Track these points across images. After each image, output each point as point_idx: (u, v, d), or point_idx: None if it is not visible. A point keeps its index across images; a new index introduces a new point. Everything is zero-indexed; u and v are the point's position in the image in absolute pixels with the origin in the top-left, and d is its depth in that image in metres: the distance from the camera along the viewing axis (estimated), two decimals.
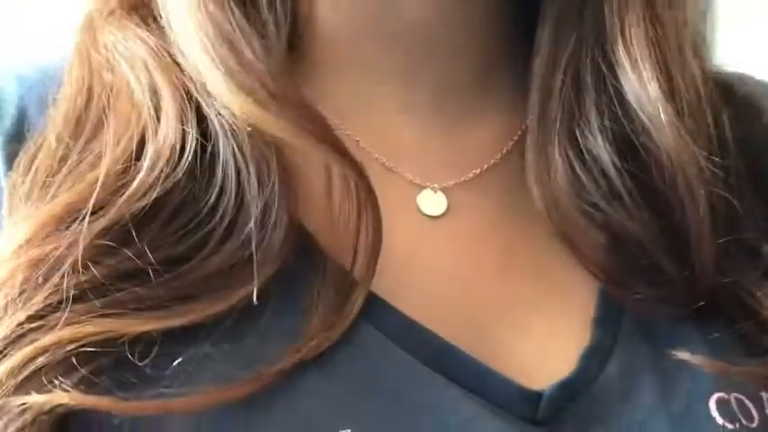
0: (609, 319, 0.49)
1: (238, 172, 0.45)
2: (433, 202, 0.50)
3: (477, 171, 0.52)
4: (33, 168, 0.45)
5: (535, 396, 0.46)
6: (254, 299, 0.42)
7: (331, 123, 0.48)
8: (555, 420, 0.46)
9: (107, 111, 0.46)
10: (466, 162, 0.52)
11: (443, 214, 0.50)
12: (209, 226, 0.44)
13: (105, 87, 0.47)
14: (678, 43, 0.49)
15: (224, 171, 0.45)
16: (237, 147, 0.45)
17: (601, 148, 0.49)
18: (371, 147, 0.51)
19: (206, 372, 0.41)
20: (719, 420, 0.46)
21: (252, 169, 0.45)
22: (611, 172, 0.49)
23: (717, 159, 0.49)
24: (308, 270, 0.45)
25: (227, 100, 0.44)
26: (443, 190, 0.51)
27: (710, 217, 0.48)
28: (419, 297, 0.47)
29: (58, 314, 0.41)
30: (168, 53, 0.47)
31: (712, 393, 0.47)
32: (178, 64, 0.47)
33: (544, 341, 0.48)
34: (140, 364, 0.41)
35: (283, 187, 0.45)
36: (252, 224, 0.43)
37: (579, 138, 0.50)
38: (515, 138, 0.53)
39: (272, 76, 0.44)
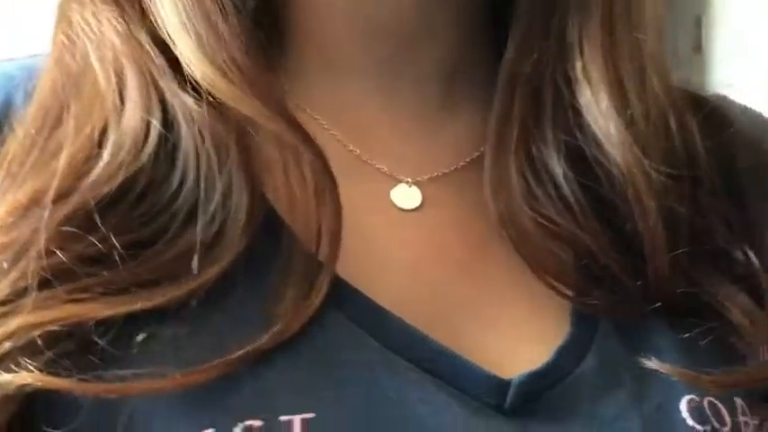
0: (586, 317, 0.49)
1: (198, 157, 0.45)
2: (407, 195, 0.51)
3: (453, 167, 0.52)
4: (6, 161, 0.46)
5: (505, 384, 0.46)
6: (195, 267, 0.43)
7: (309, 117, 0.49)
8: (524, 410, 0.46)
9: (71, 98, 0.47)
10: (442, 158, 0.52)
11: (417, 208, 0.51)
12: (172, 210, 0.45)
13: (71, 75, 0.48)
14: (636, 60, 0.51)
15: (185, 156, 0.45)
16: (198, 132, 0.46)
17: (554, 161, 0.50)
18: (348, 140, 0.52)
19: (171, 354, 0.42)
20: (690, 422, 0.47)
21: (212, 154, 0.45)
22: (563, 184, 0.50)
23: (674, 170, 0.50)
24: (277, 253, 0.45)
25: (194, 67, 0.45)
26: (418, 184, 0.52)
27: (665, 228, 0.49)
28: (391, 289, 0.48)
29: (24, 300, 0.42)
30: (136, 34, 0.48)
31: (684, 395, 0.47)
32: (145, 48, 0.47)
33: (519, 335, 0.48)
34: (104, 346, 0.42)
35: (243, 170, 0.45)
36: (213, 207, 0.44)
37: (534, 152, 0.51)
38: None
39: (242, 50, 0.46)
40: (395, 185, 0.51)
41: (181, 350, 0.42)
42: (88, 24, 0.49)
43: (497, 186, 0.50)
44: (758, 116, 0.59)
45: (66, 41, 0.49)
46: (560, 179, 0.50)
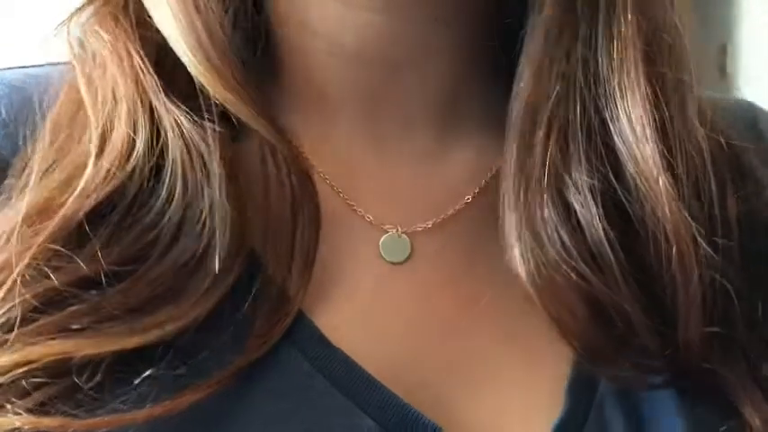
0: (583, 386, 0.45)
1: (185, 173, 0.44)
2: (395, 246, 0.48)
3: (446, 214, 0.49)
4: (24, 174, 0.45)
5: None
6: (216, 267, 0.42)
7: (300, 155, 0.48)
8: None
9: (71, 120, 0.46)
10: (434, 204, 0.49)
11: (406, 260, 0.48)
12: (160, 225, 0.43)
13: (70, 99, 0.47)
14: (681, 106, 0.45)
15: (173, 172, 0.44)
16: (186, 148, 0.44)
17: (590, 211, 0.44)
18: (337, 182, 0.49)
19: (159, 390, 0.41)
20: None
21: (198, 170, 0.44)
22: (602, 238, 0.44)
23: (718, 238, 0.45)
24: (249, 282, 0.44)
25: (187, 59, 0.44)
26: (408, 234, 0.48)
27: (702, 300, 0.44)
28: (374, 350, 0.45)
29: (9, 334, 0.40)
30: (128, 47, 0.46)
31: None
32: (136, 62, 0.46)
33: (507, 406, 0.45)
34: (93, 389, 0.40)
35: (228, 191, 0.44)
36: (199, 227, 0.43)
37: (568, 197, 0.45)
38: (486, 179, 0.50)
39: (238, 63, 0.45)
40: (383, 235, 0.48)
41: (169, 386, 0.41)
42: (90, 43, 0.48)
43: (523, 233, 0.44)
44: None
45: (76, 62, 0.48)
46: (598, 233, 0.44)
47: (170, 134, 0.44)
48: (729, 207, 0.46)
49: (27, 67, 0.51)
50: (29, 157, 0.45)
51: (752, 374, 0.45)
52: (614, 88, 0.44)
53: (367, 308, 0.46)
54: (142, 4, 0.47)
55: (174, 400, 0.40)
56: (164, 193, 0.44)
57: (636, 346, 0.44)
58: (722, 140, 0.48)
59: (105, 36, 0.47)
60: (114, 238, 0.42)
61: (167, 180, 0.44)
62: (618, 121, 0.44)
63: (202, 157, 0.44)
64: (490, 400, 0.45)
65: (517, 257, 0.44)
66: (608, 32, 0.45)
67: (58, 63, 0.49)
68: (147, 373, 0.40)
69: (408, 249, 0.48)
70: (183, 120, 0.44)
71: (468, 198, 0.49)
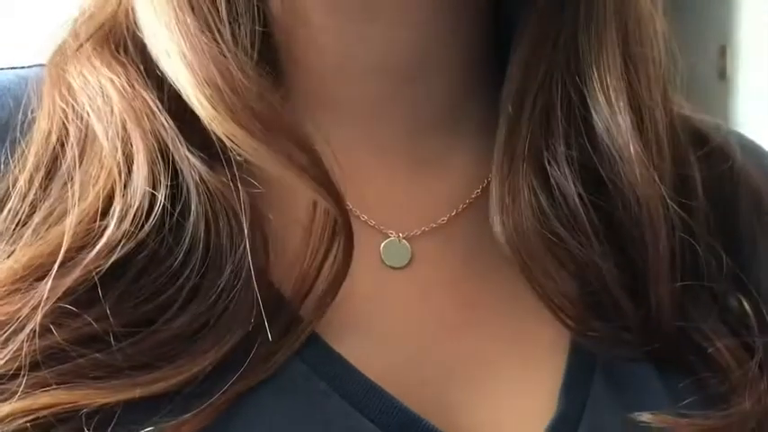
0: (578, 383, 0.46)
1: (208, 230, 0.42)
2: (396, 251, 0.48)
3: (445, 219, 0.49)
4: (5, 211, 0.43)
5: None
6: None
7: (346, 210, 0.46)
8: None
9: (76, 163, 0.44)
10: (432, 209, 0.49)
11: (407, 265, 0.48)
12: (175, 286, 0.42)
13: (75, 138, 0.44)
14: (647, 81, 0.49)
15: (194, 228, 0.42)
16: (209, 202, 0.43)
17: (566, 179, 0.48)
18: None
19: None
20: None
21: (222, 226, 0.43)
22: (576, 202, 0.47)
23: (682, 200, 0.48)
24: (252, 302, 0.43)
25: (211, 120, 0.42)
26: (408, 239, 0.48)
27: (670, 257, 0.47)
28: (374, 352, 0.45)
29: (15, 381, 0.39)
30: (142, 95, 0.44)
31: None
32: (153, 111, 0.44)
33: (505, 406, 0.46)
34: None
35: (254, 247, 0.43)
36: (221, 286, 0.42)
37: (547, 167, 0.48)
38: (483, 183, 0.51)
39: (261, 98, 0.42)
40: (384, 240, 0.48)
41: None
42: (88, 85, 0.45)
43: (505, 202, 0.48)
44: (761, 157, 0.56)
45: (63, 105, 0.45)
46: (573, 197, 0.47)
47: (193, 193, 0.43)
48: (691, 167, 0.50)
49: (17, 68, 0.50)
50: (18, 170, 0.44)
51: (722, 318, 0.49)
52: (593, 67, 0.48)
53: (368, 313, 0.46)
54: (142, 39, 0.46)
55: (175, 428, 0.39)
56: (181, 256, 0.42)
57: (614, 308, 0.47)
58: (679, 110, 0.52)
59: (106, 72, 0.45)
60: (126, 298, 0.41)
61: (187, 240, 0.42)
62: (595, 97, 0.48)
63: (228, 219, 0.43)
64: (489, 402, 0.45)
65: (498, 224, 0.47)
66: (589, 17, 0.48)
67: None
68: (155, 422, 0.39)
69: (409, 254, 0.48)
70: (209, 177, 0.43)
71: (466, 202, 0.50)
